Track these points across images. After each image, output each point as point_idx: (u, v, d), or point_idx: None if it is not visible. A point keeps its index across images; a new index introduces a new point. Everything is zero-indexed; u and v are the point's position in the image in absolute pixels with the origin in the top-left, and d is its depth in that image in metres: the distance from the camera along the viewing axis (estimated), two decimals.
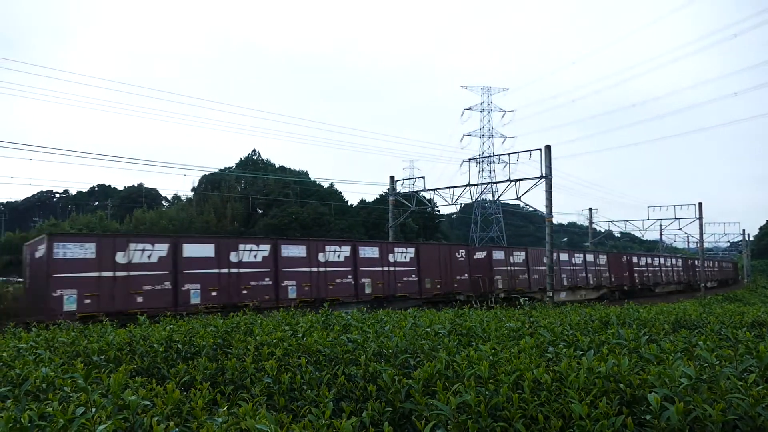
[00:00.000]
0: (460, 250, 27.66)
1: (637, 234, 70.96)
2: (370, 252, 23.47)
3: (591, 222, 54.28)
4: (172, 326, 7.28)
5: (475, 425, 3.06)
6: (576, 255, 35.82)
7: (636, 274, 42.24)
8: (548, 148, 27.49)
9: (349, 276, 22.22)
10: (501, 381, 3.69)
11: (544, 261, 29.11)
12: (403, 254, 24.91)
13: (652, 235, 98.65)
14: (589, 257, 37.02)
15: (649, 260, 46.55)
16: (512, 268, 30.16)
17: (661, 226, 55.32)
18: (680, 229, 51.33)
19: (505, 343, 5.48)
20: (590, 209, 54.17)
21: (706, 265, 58.65)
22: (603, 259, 38.29)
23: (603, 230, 57.43)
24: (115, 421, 3.08)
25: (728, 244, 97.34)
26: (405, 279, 24.59)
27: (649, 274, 44.80)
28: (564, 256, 34.16)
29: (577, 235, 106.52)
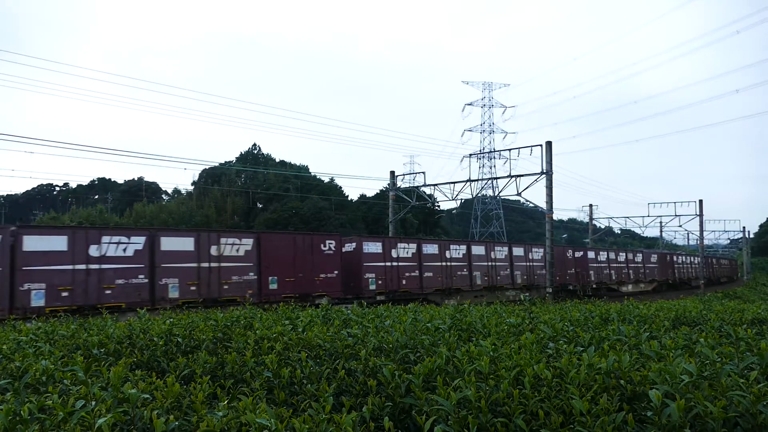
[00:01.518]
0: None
1: (638, 231, 71.12)
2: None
3: (591, 218, 54.22)
4: (172, 320, 7.30)
5: (476, 420, 3.05)
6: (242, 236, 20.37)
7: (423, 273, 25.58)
8: (549, 144, 27.41)
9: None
10: (501, 377, 3.69)
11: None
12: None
13: (652, 232, 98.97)
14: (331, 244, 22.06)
15: (458, 252, 27.32)
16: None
17: (661, 223, 55.30)
18: (680, 226, 51.26)
19: (505, 339, 5.48)
20: (590, 205, 54.14)
21: (630, 258, 42.51)
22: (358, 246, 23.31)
23: (603, 227, 57.30)
24: (115, 414, 3.08)
25: (728, 241, 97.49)
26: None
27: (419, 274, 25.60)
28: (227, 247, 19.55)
29: (577, 232, 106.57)
